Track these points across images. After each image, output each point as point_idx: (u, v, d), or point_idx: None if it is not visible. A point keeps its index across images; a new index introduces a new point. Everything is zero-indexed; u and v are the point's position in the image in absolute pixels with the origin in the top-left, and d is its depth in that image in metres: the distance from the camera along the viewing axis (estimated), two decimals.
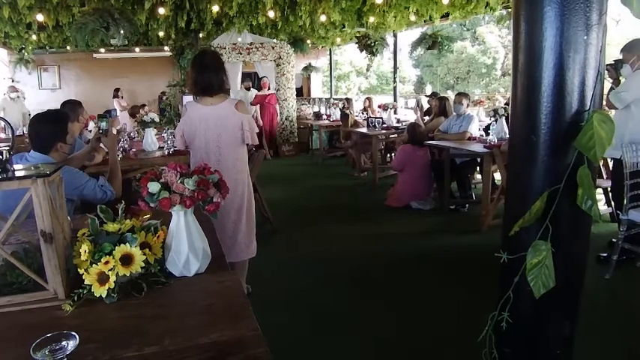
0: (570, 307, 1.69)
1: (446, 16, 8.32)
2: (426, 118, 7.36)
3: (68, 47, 11.09)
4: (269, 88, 9.95)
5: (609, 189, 4.61)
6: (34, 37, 9.49)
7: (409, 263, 4.02)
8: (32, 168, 1.46)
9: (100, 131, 3.08)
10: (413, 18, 8.59)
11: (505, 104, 7.14)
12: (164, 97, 11.80)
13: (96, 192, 2.59)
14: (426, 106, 8.48)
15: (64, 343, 1.04)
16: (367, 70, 14.12)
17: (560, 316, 1.68)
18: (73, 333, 1.06)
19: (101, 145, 3.21)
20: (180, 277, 1.54)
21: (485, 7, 7.36)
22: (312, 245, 4.53)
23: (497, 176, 5.38)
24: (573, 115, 1.50)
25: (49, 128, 2.52)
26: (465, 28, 25.92)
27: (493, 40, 26.02)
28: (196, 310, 1.36)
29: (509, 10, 7.41)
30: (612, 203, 4.48)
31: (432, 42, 9.03)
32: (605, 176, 4.94)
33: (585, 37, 1.44)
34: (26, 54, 11.82)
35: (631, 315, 3.03)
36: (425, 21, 8.95)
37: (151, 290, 1.43)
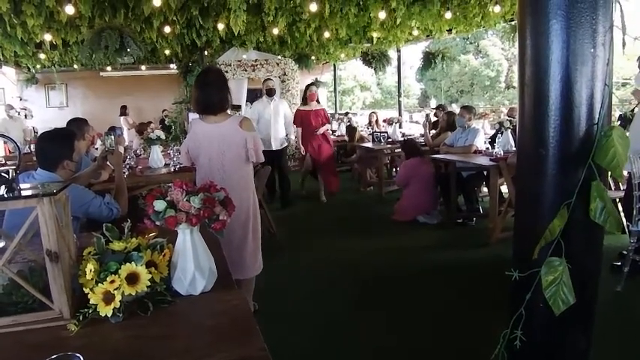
0: (585, 321, 1.66)
1: (449, 31, 8.38)
2: (433, 131, 7.35)
3: (75, 66, 11.22)
4: (318, 101, 7.00)
5: (619, 200, 4.57)
6: (42, 55, 9.60)
7: (415, 278, 3.98)
8: (39, 186, 1.46)
9: (106, 149, 3.09)
10: (416, 33, 8.64)
11: (508, 115, 7.13)
12: (165, 115, 11.82)
13: (102, 209, 2.59)
14: (432, 118, 8.47)
15: None
16: (378, 84, 14.33)
17: (576, 331, 1.64)
18: (78, 354, 1.05)
19: (107, 162, 3.22)
20: (186, 296, 1.53)
21: (485, 20, 7.42)
22: (318, 260, 4.50)
23: (505, 189, 5.34)
24: (582, 128, 1.49)
25: (56, 146, 2.53)
26: (468, 42, 26.05)
27: (496, 52, 26.11)
28: (202, 329, 1.34)
29: (513, 23, 7.45)
30: (622, 214, 4.43)
31: (437, 57, 9.13)
32: (613, 187, 4.90)
33: (592, 50, 1.43)
34: (34, 72, 11.96)
35: None
36: (428, 35, 9.02)
37: (157, 309, 1.42)
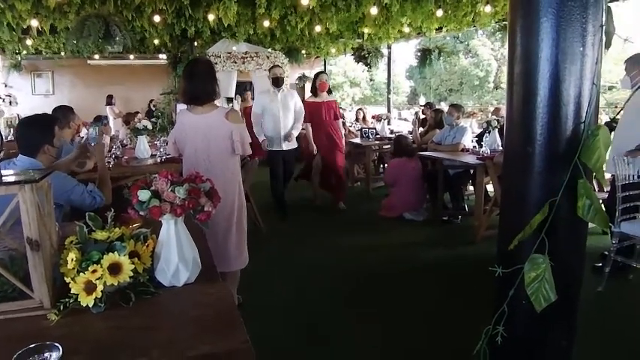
0: (568, 318, 1.67)
1: (439, 29, 8.40)
2: (421, 129, 7.38)
3: (62, 53, 11.06)
4: (330, 92, 6.19)
5: (602, 201, 4.63)
6: (28, 42, 9.45)
7: (401, 274, 4.00)
8: (20, 173, 1.43)
9: (86, 139, 3.05)
10: (407, 30, 8.66)
11: (492, 114, 7.18)
12: (153, 106, 11.72)
13: (84, 197, 2.56)
14: (420, 116, 8.50)
15: (46, 354, 1.01)
16: (371, 79, 14.30)
17: (558, 329, 1.66)
18: (57, 344, 1.03)
19: (89, 152, 3.19)
20: (169, 287, 1.52)
21: (475, 20, 7.45)
22: (304, 254, 4.50)
23: (490, 188, 5.38)
24: (570, 127, 1.50)
25: (35, 131, 2.51)
26: (458, 41, 26.18)
27: (486, 52, 26.28)
28: (185, 321, 1.34)
29: (504, 23, 7.49)
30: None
31: (433, 53, 9.17)
32: (597, 189, 4.96)
33: (581, 49, 1.44)
34: (20, 59, 11.77)
35: (625, 327, 3.02)
36: (418, 33, 9.03)
37: (140, 300, 1.41)
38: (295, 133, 5.58)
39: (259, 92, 6.05)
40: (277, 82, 5.52)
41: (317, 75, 6.09)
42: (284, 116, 5.49)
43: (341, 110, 9.98)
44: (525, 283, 1.49)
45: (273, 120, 5.44)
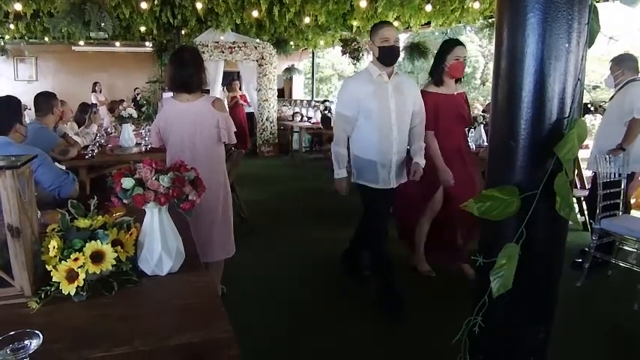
0: (545, 312, 1.70)
1: (427, 24, 8.42)
2: None
3: (46, 39, 10.85)
4: (460, 80, 3.63)
5: (583, 198, 4.71)
6: (11, 26, 9.25)
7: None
8: (1, 158, 1.41)
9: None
10: (395, 24, 8.66)
11: (483, 111, 7.24)
12: (137, 94, 11.57)
13: (55, 168, 2.64)
14: None
15: (26, 342, 1.00)
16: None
17: (536, 321, 1.69)
18: (37, 332, 1.02)
19: (74, 137, 3.17)
20: (152, 277, 1.51)
21: (464, 16, 7.48)
22: (290, 247, 4.51)
23: None
24: (553, 122, 1.52)
25: (7, 111, 2.61)
26: (446, 37, 26.25)
27: (473, 49, 26.36)
28: (168, 310, 1.33)
29: (492, 20, 7.53)
30: (586, 212, 4.58)
31: (416, 49, 9.17)
32: (579, 186, 5.04)
33: (567, 45, 1.46)
34: (3, 43, 11.52)
35: (602, 322, 3.09)
36: (407, 28, 9.04)
37: (122, 289, 1.40)
38: (422, 163, 3.16)
39: (352, 77, 3.25)
40: (392, 54, 2.96)
41: (447, 47, 3.43)
42: (399, 122, 3.02)
43: (327, 103, 9.97)
44: (493, 269, 1.51)
45: (378, 129, 2.99)
